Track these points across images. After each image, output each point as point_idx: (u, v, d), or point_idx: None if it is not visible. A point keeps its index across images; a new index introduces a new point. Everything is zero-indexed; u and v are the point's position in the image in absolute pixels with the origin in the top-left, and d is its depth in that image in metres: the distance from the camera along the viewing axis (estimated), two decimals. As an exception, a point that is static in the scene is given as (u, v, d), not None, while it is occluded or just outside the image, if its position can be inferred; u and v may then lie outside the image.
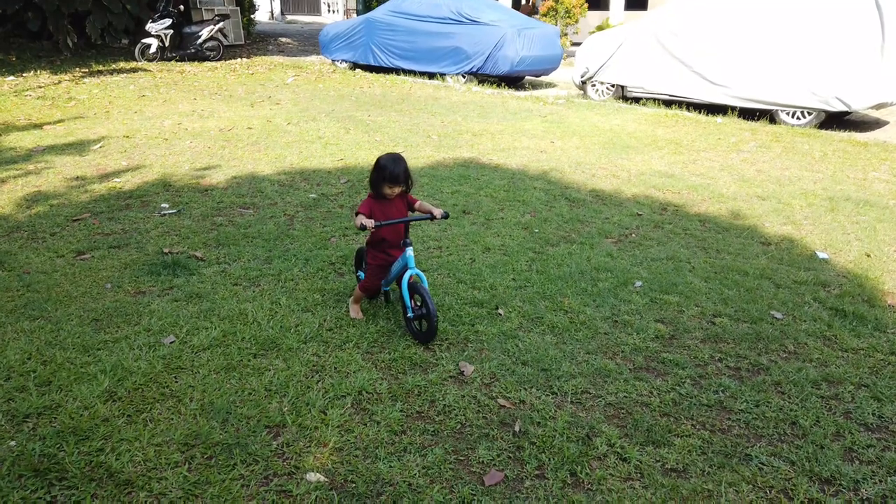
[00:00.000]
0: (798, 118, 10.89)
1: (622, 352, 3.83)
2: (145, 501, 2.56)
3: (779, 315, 4.30)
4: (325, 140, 9.24)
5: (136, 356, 3.58)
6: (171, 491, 2.62)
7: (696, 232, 5.91)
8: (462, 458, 2.90)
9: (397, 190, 3.78)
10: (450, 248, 5.41)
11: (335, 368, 3.55)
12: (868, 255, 5.35)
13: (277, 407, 3.19)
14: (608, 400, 3.35)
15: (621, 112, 12.05)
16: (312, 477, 2.74)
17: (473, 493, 2.68)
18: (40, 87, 12.46)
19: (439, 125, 10.63)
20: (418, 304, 3.81)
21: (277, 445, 2.93)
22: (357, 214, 3.75)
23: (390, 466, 2.82)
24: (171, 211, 6.10)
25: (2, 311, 4.05)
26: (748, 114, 11.63)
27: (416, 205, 3.95)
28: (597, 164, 8.32)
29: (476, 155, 8.69)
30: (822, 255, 5.33)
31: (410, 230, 4.01)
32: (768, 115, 11.26)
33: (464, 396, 3.36)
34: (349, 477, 2.75)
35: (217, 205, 6.33)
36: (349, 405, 3.24)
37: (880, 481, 2.78)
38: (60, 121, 9.77)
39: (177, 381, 3.39)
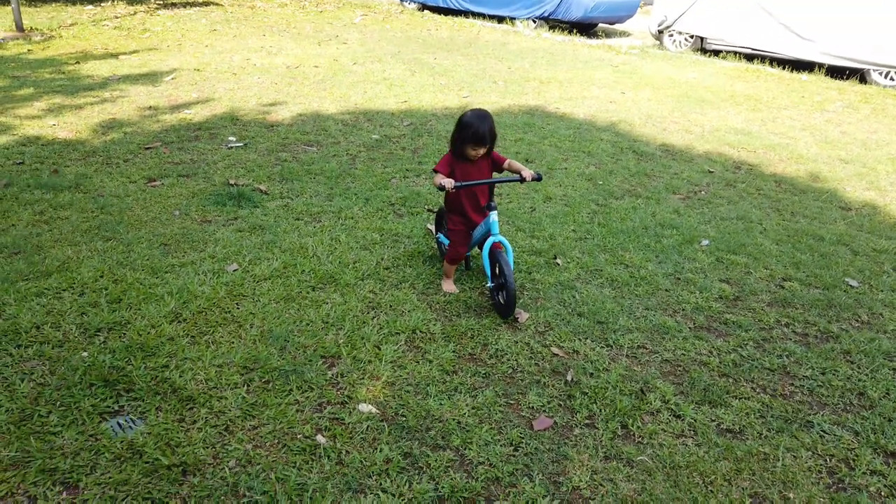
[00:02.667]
0: (892, 79, 10.18)
1: (683, 310, 3.73)
2: (206, 417, 2.67)
3: (854, 283, 4.09)
4: (389, 81, 9.16)
5: (200, 281, 3.69)
6: (229, 410, 2.72)
7: (770, 193, 5.64)
8: (512, 401, 2.90)
9: (481, 151, 3.38)
10: (510, 195, 5.33)
11: (390, 306, 3.58)
12: (957, 227, 5.01)
13: (333, 339, 3.25)
14: (665, 357, 3.28)
15: (698, 65, 11.51)
16: (364, 408, 2.80)
17: (522, 436, 2.68)
18: (117, 18, 12.71)
19: (506, 71, 10.39)
20: (497, 273, 3.48)
21: (332, 375, 2.99)
22: (435, 173, 3.44)
23: (440, 404, 2.84)
24: (237, 144, 6.19)
25: (77, 230, 4.22)
26: (837, 72, 10.94)
27: (505, 164, 3.52)
28: (669, 117, 8.00)
29: (542, 103, 8.47)
30: (906, 223, 5.03)
31: (496, 191, 3.63)
32: (859, 75, 10.56)
33: (517, 342, 3.34)
34: (400, 411, 2.79)
35: (282, 140, 6.39)
36: (403, 342, 3.27)
37: (951, 460, 2.66)
38: (135, 51, 9.97)
39: (238, 308, 3.48)
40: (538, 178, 3.44)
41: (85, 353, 3.00)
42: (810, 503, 2.39)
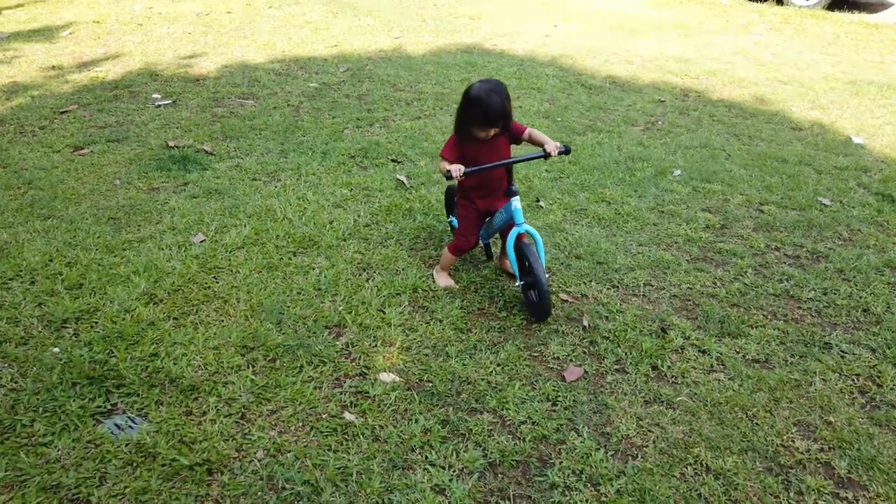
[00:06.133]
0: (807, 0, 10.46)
1: (675, 243, 3.69)
2: (216, 407, 2.41)
3: (826, 201, 4.18)
4: (313, 25, 8.62)
5: (167, 256, 3.33)
6: (240, 395, 2.46)
7: (723, 118, 5.68)
8: (535, 354, 2.78)
9: (492, 132, 2.77)
10: (473, 138, 5.12)
11: (382, 266, 3.36)
12: (902, 140, 5.21)
13: (332, 306, 3.01)
14: (672, 292, 3.23)
15: (621, -6, 11.45)
16: (387, 377, 2.60)
17: (556, 389, 2.57)
18: (-11, -32, 11.32)
19: (432, 8, 10.00)
20: (526, 269, 2.90)
21: (342, 346, 2.77)
22: (441, 159, 2.88)
23: (464, 364, 2.69)
24: (165, 102, 5.65)
25: (7, 210, 3.73)
26: (752, -5, 11.15)
27: (525, 134, 2.87)
28: (607, 49, 7.92)
29: (478, 40, 8.20)
30: (857, 139, 5.18)
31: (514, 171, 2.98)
32: (774, -3, 10.79)
33: (519, 290, 3.21)
34: (424, 376, 2.62)
35: (213, 95, 5.88)
36: (406, 303, 3.07)
37: (964, 366, 2.75)
38: (20, 5, 8.92)
39: (217, 282, 3.17)
40: (566, 152, 2.82)
41: (56, 349, 2.65)
42: (851, 424, 2.42)
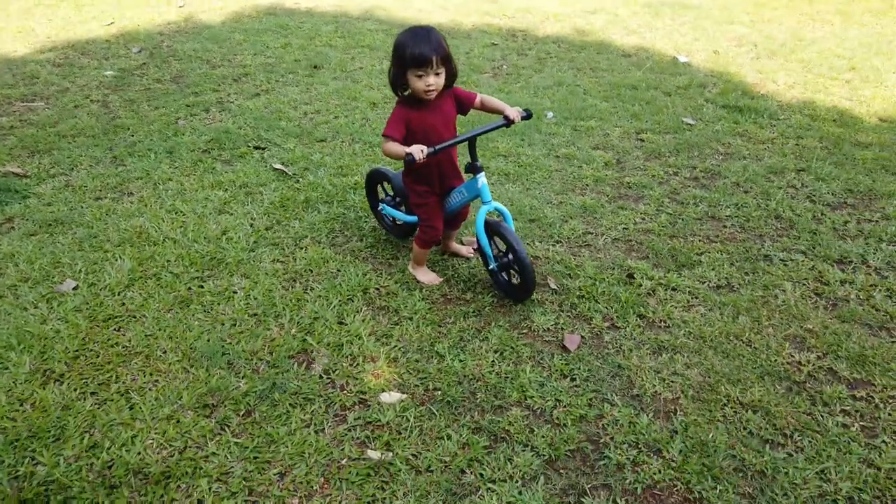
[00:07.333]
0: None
1: (587, 185, 3.70)
2: (212, 490, 1.93)
3: (690, 121, 4.45)
4: (72, 1, 7.33)
5: (39, 317, 2.62)
6: (233, 467, 2.01)
7: (559, 54, 5.81)
8: (525, 330, 2.62)
9: (432, 78, 2.40)
10: (329, 110, 4.70)
11: (312, 271, 2.95)
12: (716, 52, 5.71)
13: (282, 332, 2.58)
14: (612, 235, 3.23)
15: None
16: (389, 397, 2.29)
17: (566, 361, 2.45)
18: None
19: (206, -30, 8.98)
20: (502, 250, 2.73)
21: (320, 375, 2.38)
22: (386, 139, 2.49)
23: (461, 361, 2.45)
24: (-76, 119, 4.45)
25: None
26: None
27: (477, 101, 2.60)
28: (414, -4, 7.70)
29: (276, 0, 7.53)
30: (682, 58, 5.58)
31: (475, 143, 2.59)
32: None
33: (474, 267, 3.01)
34: (428, 385, 2.35)
35: (-14, 102, 4.76)
36: (363, 308, 2.73)
37: (877, 250, 3.09)
38: None
39: (124, 334, 2.56)
40: (528, 116, 2.60)
41: (-50, 481, 1.96)
42: (828, 328, 2.60)
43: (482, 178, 2.59)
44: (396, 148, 2.46)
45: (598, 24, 6.64)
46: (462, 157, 2.74)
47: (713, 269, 2.95)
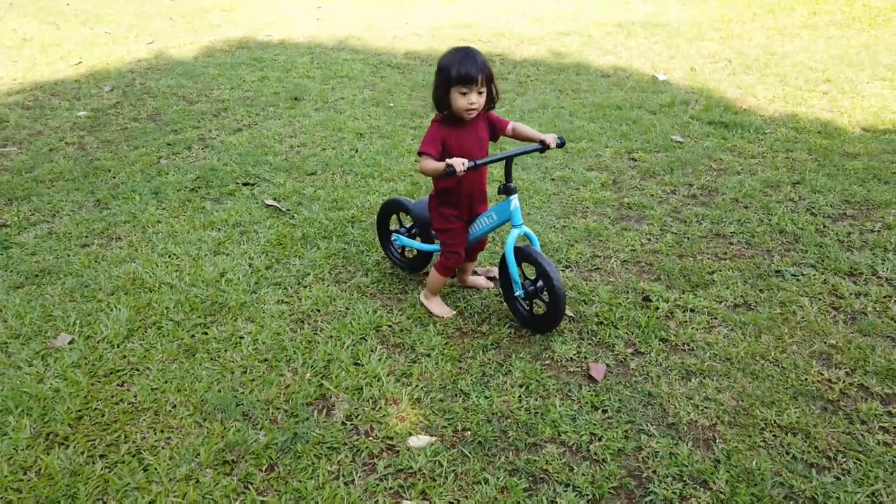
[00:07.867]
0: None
1: (587, 208, 3.67)
2: (247, 560, 1.82)
3: (679, 138, 4.47)
4: (35, 42, 7.17)
5: (35, 376, 2.47)
6: (264, 532, 1.89)
7: (539, 76, 5.82)
8: (547, 362, 2.55)
9: (474, 96, 2.38)
10: (315, 142, 4.61)
11: (320, 311, 2.84)
12: (693, 69, 5.79)
13: (296, 377, 2.46)
14: (620, 258, 3.19)
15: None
16: (418, 441, 2.19)
17: (594, 392, 2.38)
18: None
19: (171, 5, 8.88)
20: (528, 277, 2.65)
21: (342, 421, 2.27)
22: (422, 156, 2.47)
23: (486, 398, 2.36)
24: None
25: None
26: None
27: (509, 129, 2.61)
28: (386, 24, 7.69)
29: (247, 33, 7.46)
30: (661, 76, 5.63)
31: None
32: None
33: (486, 298, 2.94)
34: (457, 426, 2.25)
35: (-46, 148, 4.57)
36: (378, 346, 2.63)
37: (884, 260, 3.10)
38: None
39: (128, 390, 2.42)
40: (562, 144, 2.59)
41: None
42: (851, 342, 2.58)
43: (515, 200, 2.55)
44: (434, 164, 2.44)
45: (573, 45, 6.69)
46: (491, 184, 2.68)
47: (727, 288, 2.93)
